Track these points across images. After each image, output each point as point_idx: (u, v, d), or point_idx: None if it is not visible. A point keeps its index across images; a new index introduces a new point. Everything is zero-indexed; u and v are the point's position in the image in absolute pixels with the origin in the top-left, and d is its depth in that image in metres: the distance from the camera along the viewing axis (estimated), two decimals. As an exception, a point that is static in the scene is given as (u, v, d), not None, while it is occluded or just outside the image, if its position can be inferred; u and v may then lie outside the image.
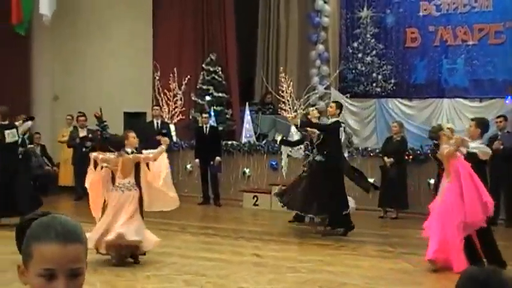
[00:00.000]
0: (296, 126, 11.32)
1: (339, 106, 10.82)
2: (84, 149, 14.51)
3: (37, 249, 1.74)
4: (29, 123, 12.34)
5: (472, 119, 8.99)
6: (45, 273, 1.72)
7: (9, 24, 14.38)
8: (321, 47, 15.85)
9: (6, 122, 11.18)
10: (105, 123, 15.48)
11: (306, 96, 14.86)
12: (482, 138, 8.52)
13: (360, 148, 13.83)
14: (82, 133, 14.77)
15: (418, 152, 13.08)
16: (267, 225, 11.56)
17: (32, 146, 13.97)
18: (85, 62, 17.30)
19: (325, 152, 10.37)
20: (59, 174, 15.86)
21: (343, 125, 11.03)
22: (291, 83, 14.82)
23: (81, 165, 14.57)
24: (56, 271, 1.72)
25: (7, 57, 16.44)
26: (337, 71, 15.65)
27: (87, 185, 8.48)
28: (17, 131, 11.38)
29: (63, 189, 15.57)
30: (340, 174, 10.52)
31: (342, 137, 10.62)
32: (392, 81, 15.57)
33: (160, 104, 15.64)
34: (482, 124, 8.49)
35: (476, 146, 8.15)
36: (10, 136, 11.05)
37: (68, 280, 1.72)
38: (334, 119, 10.61)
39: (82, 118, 14.93)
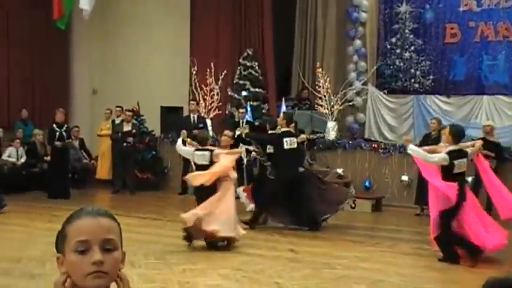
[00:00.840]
0: (242, 137, 11.81)
1: (286, 117, 11.13)
2: (124, 144, 14.61)
3: (70, 228, 1.78)
4: None
5: (450, 125, 9.21)
6: (80, 246, 1.74)
7: (49, 18, 14.54)
8: (358, 42, 15.72)
9: None
10: (142, 118, 15.63)
11: (342, 92, 14.82)
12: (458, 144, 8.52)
13: (397, 145, 13.71)
14: (126, 127, 14.86)
15: (457, 149, 12.90)
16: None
17: (69, 140, 14.14)
18: (123, 57, 17.45)
19: (272, 162, 10.78)
20: (97, 167, 16.03)
21: (306, 135, 11.83)
22: (328, 78, 14.81)
23: (120, 159, 14.76)
24: (89, 242, 1.74)
25: (46, 51, 16.68)
26: (375, 67, 15.54)
27: (223, 166, 9.08)
28: None
29: (101, 182, 15.75)
30: (291, 183, 10.57)
31: (291, 146, 10.62)
32: (431, 77, 15.37)
33: (197, 99, 15.74)
34: (454, 132, 8.55)
35: (414, 149, 8.54)
36: None
37: (102, 252, 1.75)
38: (283, 130, 10.81)
39: (129, 113, 14.97)
